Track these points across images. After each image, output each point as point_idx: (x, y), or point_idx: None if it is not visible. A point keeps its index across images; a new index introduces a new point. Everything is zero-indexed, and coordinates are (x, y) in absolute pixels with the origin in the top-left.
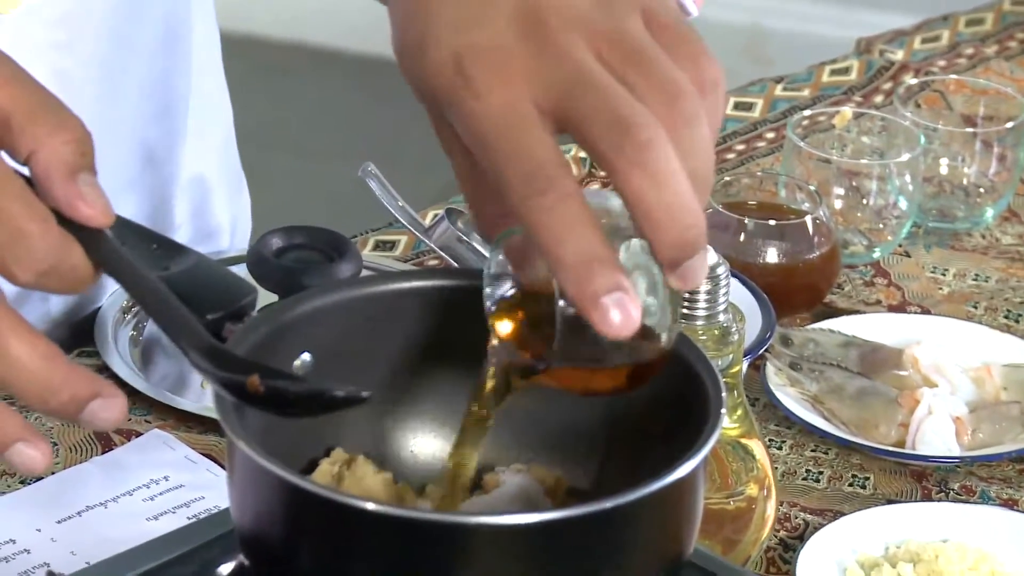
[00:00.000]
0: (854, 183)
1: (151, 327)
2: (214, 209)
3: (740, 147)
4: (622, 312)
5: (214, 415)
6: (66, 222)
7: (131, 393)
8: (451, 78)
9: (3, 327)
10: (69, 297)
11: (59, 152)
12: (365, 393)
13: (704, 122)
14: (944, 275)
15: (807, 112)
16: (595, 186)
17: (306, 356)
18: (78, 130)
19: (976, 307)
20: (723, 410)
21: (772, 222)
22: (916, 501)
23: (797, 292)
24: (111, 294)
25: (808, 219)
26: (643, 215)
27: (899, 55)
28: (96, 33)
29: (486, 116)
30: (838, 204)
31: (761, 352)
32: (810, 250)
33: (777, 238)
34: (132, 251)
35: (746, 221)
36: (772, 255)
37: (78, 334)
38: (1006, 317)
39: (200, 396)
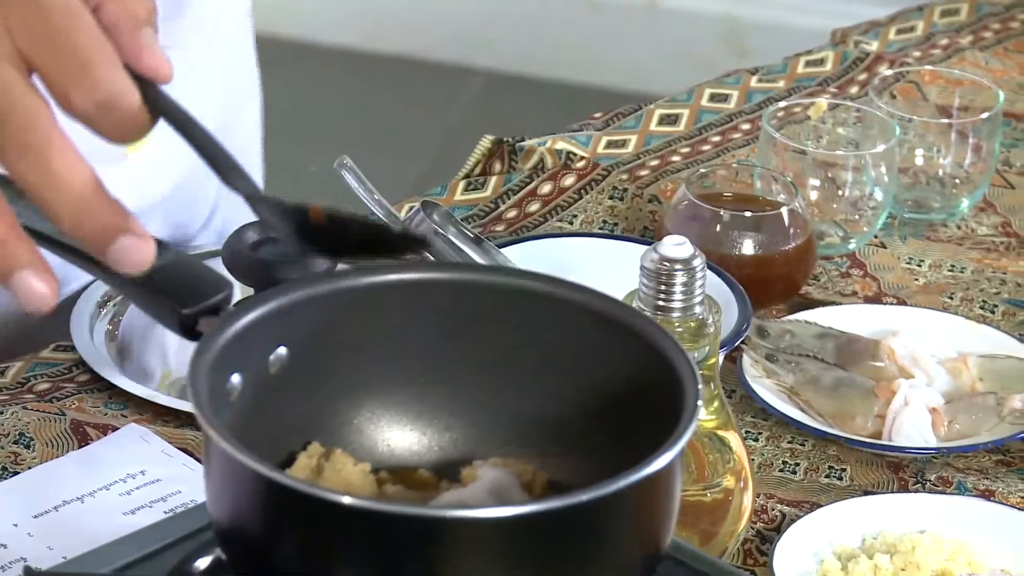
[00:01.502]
0: (829, 174)
1: (127, 321)
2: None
3: (716, 138)
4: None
5: (190, 409)
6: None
7: (107, 387)
8: None
9: (51, 146)
10: None
11: (128, 4)
12: (421, 235)
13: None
14: (920, 266)
15: (782, 103)
16: (570, 179)
17: (282, 350)
18: None
19: (952, 298)
20: (700, 402)
21: (748, 213)
22: (893, 492)
23: (773, 283)
24: (88, 286)
25: (784, 210)
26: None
27: (874, 46)
28: None
29: None
30: (813, 195)
31: (737, 344)
32: (786, 241)
33: (753, 229)
34: None
35: (722, 213)
36: (748, 247)
37: (54, 328)
38: (982, 308)
39: (177, 391)
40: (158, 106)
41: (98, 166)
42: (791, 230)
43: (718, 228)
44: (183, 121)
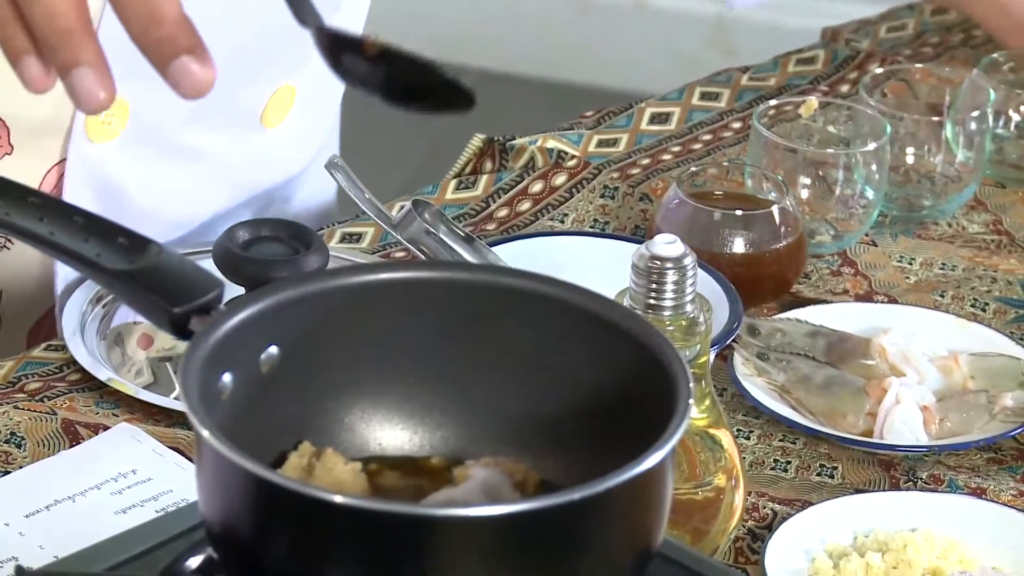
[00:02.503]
0: (820, 173)
1: (118, 319)
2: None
3: (706, 137)
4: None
5: (182, 408)
6: None
7: (98, 387)
8: None
9: None
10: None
11: None
12: (469, 88)
13: None
14: (911, 264)
15: (773, 102)
16: (561, 177)
17: (273, 349)
18: None
19: (943, 296)
20: (691, 400)
21: (739, 212)
22: (884, 490)
23: (764, 282)
24: (79, 285)
25: (775, 209)
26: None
27: (865, 44)
28: None
29: None
30: (804, 194)
31: (728, 342)
32: (777, 240)
33: (744, 228)
34: (97, 245)
35: (713, 211)
36: (739, 245)
37: (45, 328)
38: (973, 306)
39: (167, 390)
40: None
41: (235, 135)
42: (782, 228)
43: (709, 227)
44: None
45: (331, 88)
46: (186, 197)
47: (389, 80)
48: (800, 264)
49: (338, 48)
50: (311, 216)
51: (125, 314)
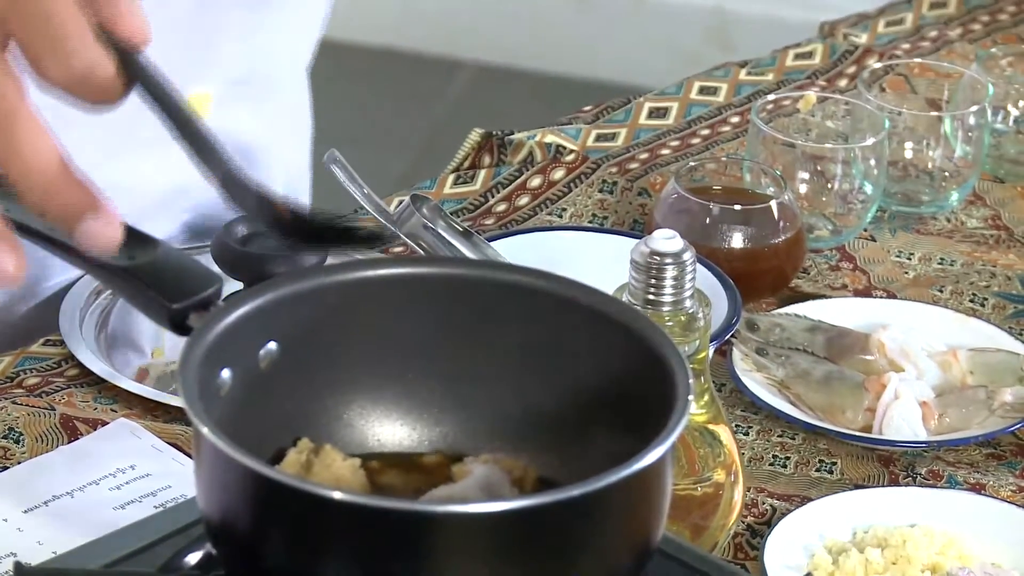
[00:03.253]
0: (819, 167)
1: (116, 316)
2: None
3: (705, 132)
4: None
5: (180, 404)
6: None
7: (97, 382)
8: None
9: (17, 121)
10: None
11: None
12: (386, 233)
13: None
14: (909, 259)
15: (771, 97)
16: (560, 172)
17: (272, 345)
18: None
19: (942, 291)
20: (690, 396)
21: (737, 207)
22: (883, 486)
23: (763, 277)
24: (77, 280)
25: (773, 204)
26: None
27: (863, 39)
28: None
29: None
30: (803, 188)
31: (727, 337)
32: (775, 235)
33: (742, 223)
34: None
35: (711, 206)
36: (737, 240)
37: (43, 323)
38: (972, 301)
39: (166, 385)
40: (133, 73)
41: (155, 150)
42: (780, 223)
43: (708, 221)
44: (157, 89)
45: (254, 93)
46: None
47: (305, 236)
48: (799, 259)
49: (250, 206)
50: None
51: (123, 310)
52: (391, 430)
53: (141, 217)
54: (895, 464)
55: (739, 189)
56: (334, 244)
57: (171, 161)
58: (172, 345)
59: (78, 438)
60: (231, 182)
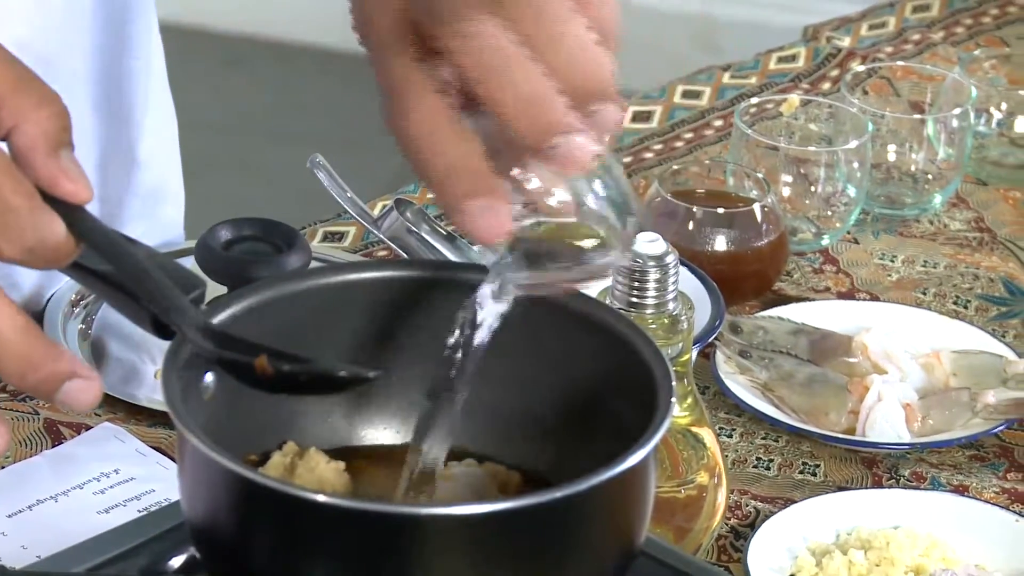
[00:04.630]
0: (802, 170)
1: (100, 319)
2: (166, 208)
3: (688, 135)
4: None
5: (164, 408)
6: (46, 198)
7: None
8: None
9: None
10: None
11: (42, 126)
12: (372, 373)
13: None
14: (893, 262)
15: (754, 100)
16: None
17: None
18: (58, 104)
19: (925, 293)
20: (673, 399)
21: (720, 210)
22: (867, 488)
23: (746, 280)
24: (56, 289)
25: (756, 207)
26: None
27: (846, 42)
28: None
29: None
30: (786, 191)
31: (711, 340)
32: (758, 238)
33: (725, 226)
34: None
35: (694, 209)
36: (720, 243)
37: None
38: (955, 303)
39: (150, 389)
40: (82, 228)
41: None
42: (764, 226)
43: (691, 225)
44: (108, 243)
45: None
46: None
47: (293, 386)
48: (782, 262)
49: (226, 362)
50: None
51: (106, 314)
52: (375, 433)
53: None
54: (878, 466)
55: (722, 192)
56: (316, 391)
57: None
58: None
59: (62, 442)
60: (204, 335)
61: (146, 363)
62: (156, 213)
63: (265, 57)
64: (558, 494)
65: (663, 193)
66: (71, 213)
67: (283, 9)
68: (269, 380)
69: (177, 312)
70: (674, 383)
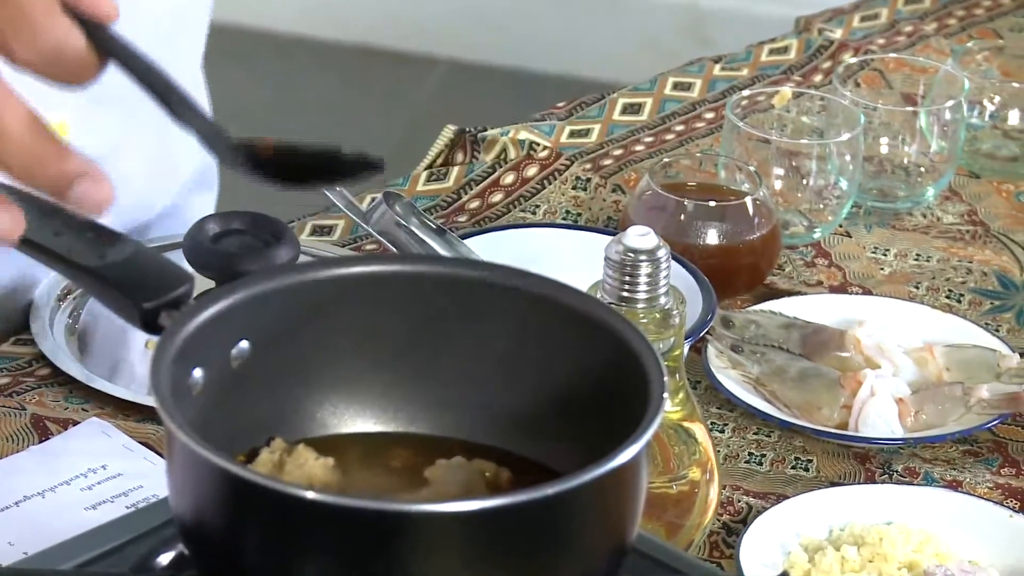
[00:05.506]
0: (794, 163)
1: (87, 314)
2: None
3: (679, 128)
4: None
5: (152, 403)
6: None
7: (68, 382)
8: None
9: None
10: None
11: None
12: (378, 157)
13: None
14: (885, 255)
15: (746, 92)
16: (533, 169)
17: (244, 344)
18: None
19: (918, 287)
20: (665, 394)
21: (712, 203)
22: (859, 483)
23: (738, 273)
24: (44, 282)
25: (748, 200)
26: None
27: (838, 34)
28: None
29: None
30: (778, 185)
31: (702, 334)
32: (750, 231)
33: (717, 219)
34: (68, 240)
35: (686, 203)
36: (712, 237)
37: (13, 322)
38: (948, 297)
39: (139, 384)
40: (105, 46)
41: (144, 138)
42: (755, 220)
43: (682, 218)
44: (131, 59)
45: (119, 112)
46: None
47: (293, 171)
48: (774, 255)
49: (233, 151)
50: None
51: (93, 309)
52: (365, 429)
53: None
54: (871, 461)
55: (714, 185)
56: (324, 178)
57: None
58: None
59: (49, 438)
60: (208, 135)
61: (134, 358)
62: (192, 204)
63: (252, 48)
64: (549, 491)
65: (654, 186)
66: (96, 31)
67: (280, 3)
68: (271, 162)
69: (191, 113)
70: (666, 378)
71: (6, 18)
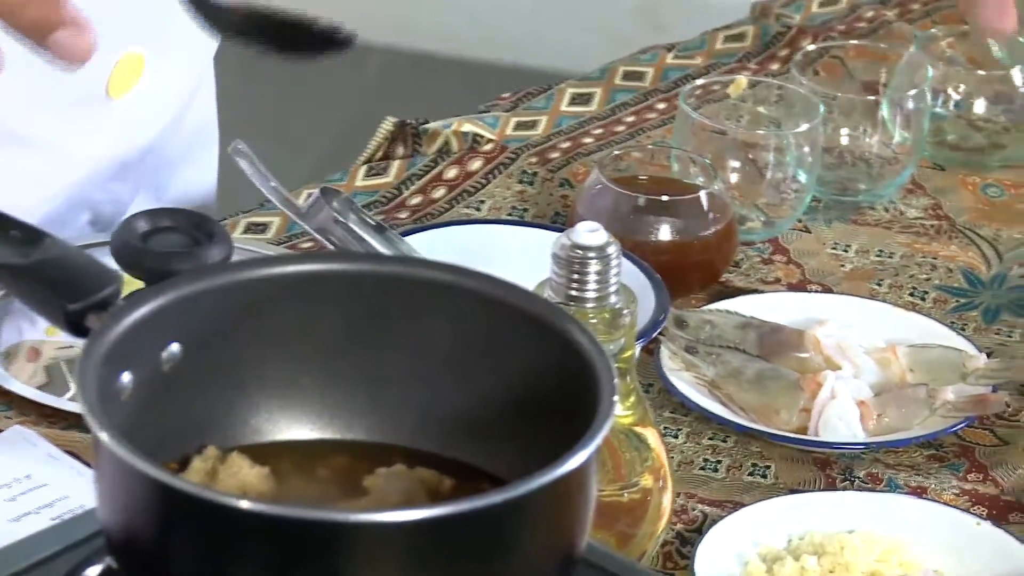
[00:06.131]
0: (750, 155)
1: (8, 321)
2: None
3: (630, 119)
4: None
5: (78, 410)
6: None
7: None
8: None
9: None
10: None
11: None
12: (349, 32)
13: None
14: (846, 251)
15: (700, 81)
16: (477, 162)
17: (175, 346)
18: None
19: (880, 284)
20: (615, 397)
21: (664, 198)
22: (820, 490)
23: (692, 271)
24: None
25: (702, 194)
26: None
27: (796, 19)
28: None
29: None
30: (734, 178)
31: (655, 335)
32: (705, 226)
33: (670, 215)
34: None
35: (637, 197)
36: (665, 232)
37: None
38: (911, 295)
39: (63, 390)
40: None
41: (81, 109)
42: (710, 214)
43: (633, 213)
44: None
45: (186, 54)
46: (33, 184)
47: (262, 33)
48: (730, 252)
49: (207, 10)
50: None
51: (15, 319)
52: (301, 434)
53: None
54: (832, 467)
55: (667, 179)
56: (294, 46)
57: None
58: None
59: None
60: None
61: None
62: (200, 157)
63: None
64: (493, 499)
65: (603, 180)
66: None
67: None
68: (243, 22)
69: None
70: (616, 380)
71: None
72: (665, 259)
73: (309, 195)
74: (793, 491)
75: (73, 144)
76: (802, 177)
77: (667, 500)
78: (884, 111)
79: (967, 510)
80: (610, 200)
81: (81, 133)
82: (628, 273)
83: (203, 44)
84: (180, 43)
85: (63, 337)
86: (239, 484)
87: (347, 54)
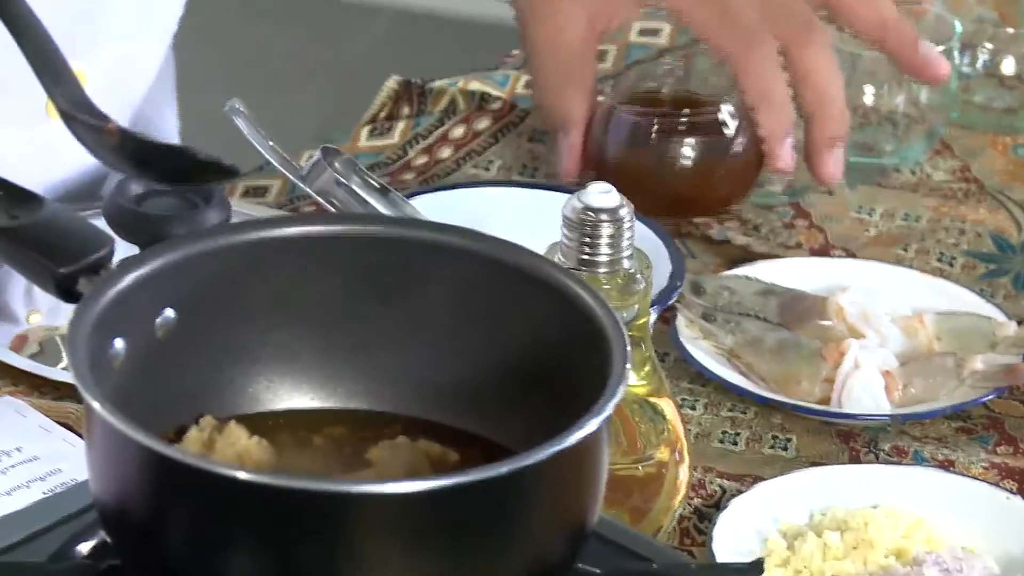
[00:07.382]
0: None
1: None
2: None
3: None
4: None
5: (70, 379)
6: None
7: None
8: None
9: None
10: None
11: None
12: (232, 164)
13: None
14: (871, 215)
15: None
16: (485, 121)
17: (169, 312)
18: None
19: (906, 250)
20: (628, 366)
21: (683, 117)
22: (843, 464)
23: (717, 187)
24: None
25: (723, 108)
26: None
27: None
28: None
29: None
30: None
31: (671, 302)
32: (728, 144)
33: (690, 131)
34: None
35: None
36: (687, 153)
37: None
38: (939, 260)
39: (55, 360)
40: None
41: (18, 128)
42: (734, 129)
43: (654, 135)
44: (14, 16)
45: (132, 72)
46: None
47: (145, 164)
48: (757, 167)
49: (92, 134)
50: None
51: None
52: (301, 405)
53: None
54: (856, 440)
55: (685, 95)
56: (169, 176)
57: None
58: (51, 307)
59: None
60: (71, 102)
61: (36, 304)
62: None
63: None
64: (500, 470)
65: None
66: None
67: None
68: (118, 149)
69: (52, 73)
70: (629, 348)
71: None
72: (687, 179)
73: (310, 156)
74: (815, 465)
75: (13, 163)
76: None
77: (684, 474)
78: None
79: (996, 484)
80: (627, 123)
81: (22, 155)
82: (642, 237)
83: (150, 56)
84: (123, 56)
85: (47, 319)
86: (237, 454)
87: (354, 14)
